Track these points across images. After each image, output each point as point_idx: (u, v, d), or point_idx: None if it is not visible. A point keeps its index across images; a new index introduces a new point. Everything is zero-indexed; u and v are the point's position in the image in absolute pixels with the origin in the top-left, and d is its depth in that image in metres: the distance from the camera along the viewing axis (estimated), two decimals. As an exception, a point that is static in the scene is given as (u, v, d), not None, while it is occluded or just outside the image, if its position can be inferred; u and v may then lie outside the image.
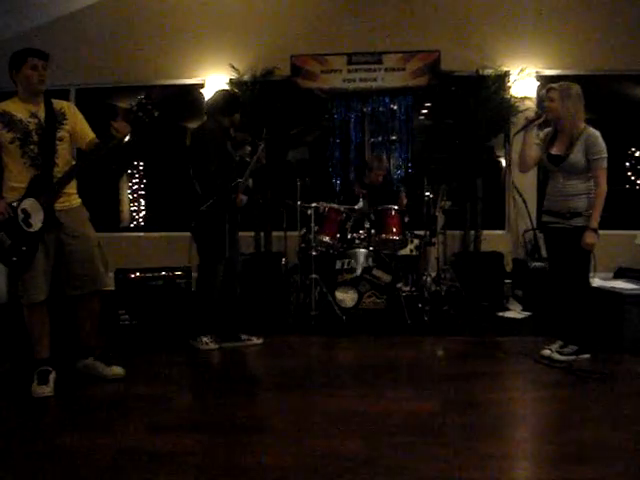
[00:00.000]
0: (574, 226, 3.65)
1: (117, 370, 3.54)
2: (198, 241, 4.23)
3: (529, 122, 3.82)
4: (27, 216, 3.17)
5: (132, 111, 3.27)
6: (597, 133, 3.65)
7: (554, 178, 3.79)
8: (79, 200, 3.46)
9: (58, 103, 3.38)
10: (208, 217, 4.09)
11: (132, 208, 7.99)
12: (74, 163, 3.40)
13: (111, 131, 3.24)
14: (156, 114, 3.31)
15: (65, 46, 6.64)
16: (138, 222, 8.04)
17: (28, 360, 3.46)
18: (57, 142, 3.28)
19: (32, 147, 3.21)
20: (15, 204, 3.17)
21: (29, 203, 3.19)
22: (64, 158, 3.33)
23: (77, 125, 3.40)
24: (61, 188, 3.28)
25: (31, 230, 3.18)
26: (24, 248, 3.17)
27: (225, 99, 4.23)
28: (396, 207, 5.09)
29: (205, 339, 4.20)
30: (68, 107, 3.41)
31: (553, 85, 3.78)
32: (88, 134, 3.42)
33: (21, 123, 3.20)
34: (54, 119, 3.29)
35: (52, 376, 3.33)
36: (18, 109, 3.23)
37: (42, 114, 3.27)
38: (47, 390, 3.25)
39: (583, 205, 3.64)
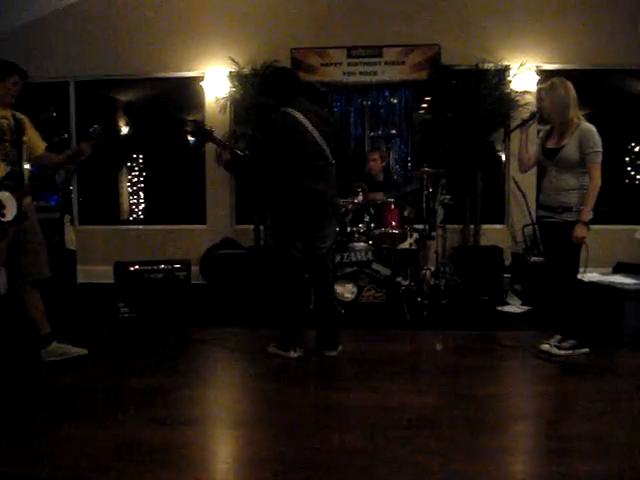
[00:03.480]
0: (565, 220, 3.66)
1: (82, 350, 3.73)
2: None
3: (523, 122, 3.96)
4: (1, 206, 3.28)
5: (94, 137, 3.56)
6: (592, 127, 3.65)
7: (548, 173, 3.82)
8: (33, 202, 3.70)
9: (18, 114, 3.56)
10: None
11: (132, 201, 7.99)
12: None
13: (79, 150, 3.54)
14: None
15: (64, 39, 6.63)
16: (138, 215, 8.04)
17: (35, 340, 3.65)
18: (23, 144, 3.49)
19: (6, 144, 3.37)
20: None
21: (6, 195, 3.30)
22: (25, 160, 3.54)
23: (32, 137, 3.60)
24: (33, 188, 3.52)
25: (4, 220, 3.29)
26: None
27: None
28: (394, 200, 5.08)
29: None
30: (26, 119, 3.60)
31: (542, 85, 3.91)
32: (40, 145, 3.65)
33: None
34: (20, 125, 3.50)
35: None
36: None
37: (11, 119, 3.46)
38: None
39: (574, 200, 3.64)
